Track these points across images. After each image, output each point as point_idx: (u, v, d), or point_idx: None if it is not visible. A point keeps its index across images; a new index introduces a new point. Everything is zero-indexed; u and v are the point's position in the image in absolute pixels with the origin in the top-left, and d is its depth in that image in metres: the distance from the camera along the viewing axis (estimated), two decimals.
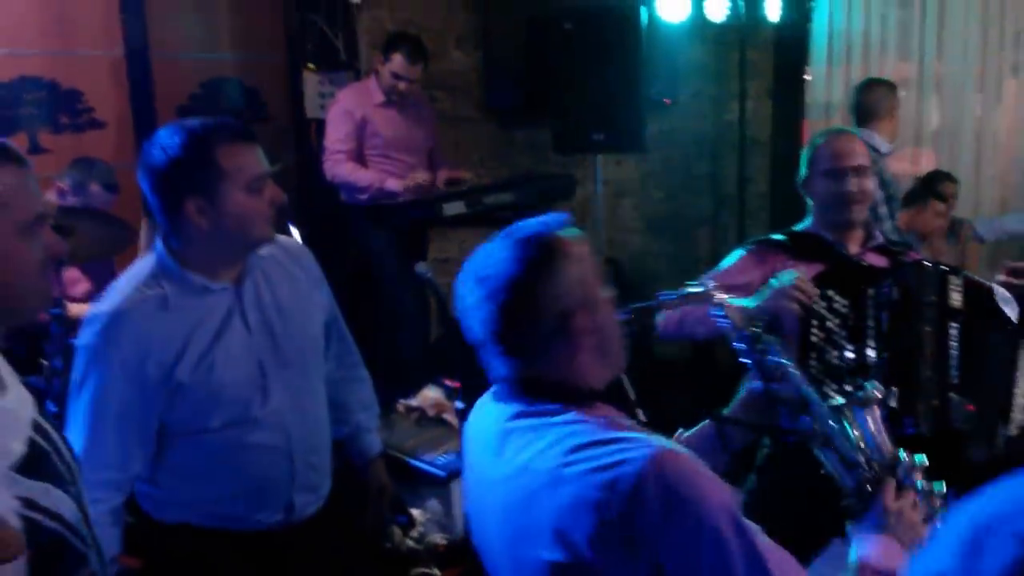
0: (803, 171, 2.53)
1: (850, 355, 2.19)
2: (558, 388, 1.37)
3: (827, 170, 2.45)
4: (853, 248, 2.46)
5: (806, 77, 5.67)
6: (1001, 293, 2.25)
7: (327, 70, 5.02)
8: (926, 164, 5.86)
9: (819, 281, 2.25)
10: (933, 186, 4.90)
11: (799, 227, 2.57)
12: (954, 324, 2.19)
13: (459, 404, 3.40)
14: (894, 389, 2.13)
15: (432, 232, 4.91)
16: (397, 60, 4.41)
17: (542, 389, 1.38)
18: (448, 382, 3.66)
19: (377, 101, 4.52)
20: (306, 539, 2.18)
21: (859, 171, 2.42)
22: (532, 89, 5.20)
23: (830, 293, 2.23)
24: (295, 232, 3.35)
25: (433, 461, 3.25)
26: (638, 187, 5.86)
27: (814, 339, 2.24)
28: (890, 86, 4.43)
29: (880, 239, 2.52)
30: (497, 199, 4.38)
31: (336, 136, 4.46)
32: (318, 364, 2.22)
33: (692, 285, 1.85)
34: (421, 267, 2.75)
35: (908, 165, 5.77)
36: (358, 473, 2.47)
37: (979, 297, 2.24)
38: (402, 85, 4.45)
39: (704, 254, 5.93)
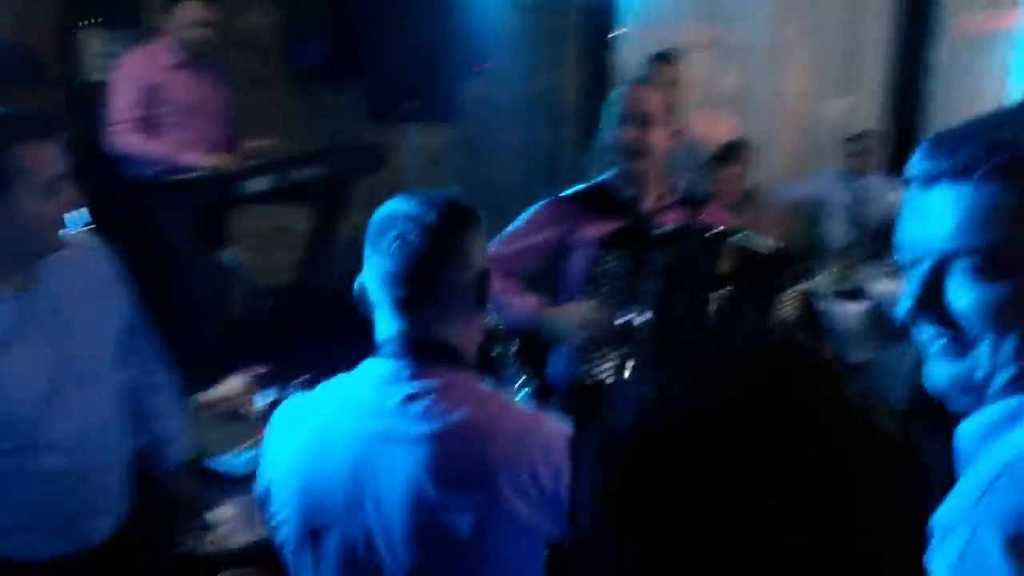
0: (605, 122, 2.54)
1: (624, 318, 2.20)
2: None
3: (613, 116, 2.45)
4: (649, 203, 2.45)
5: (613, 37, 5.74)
6: None
7: (109, 28, 4.62)
8: (725, 129, 6.09)
9: (608, 242, 2.26)
10: (731, 153, 5.09)
11: (602, 177, 2.57)
12: (719, 290, 2.20)
13: (263, 396, 3.24)
14: None
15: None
16: (189, 4, 4.10)
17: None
18: (251, 371, 3.48)
19: (170, 63, 4.18)
20: (101, 566, 2.03)
21: (643, 120, 2.40)
22: (339, 49, 4.97)
23: (613, 254, 2.25)
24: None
25: (234, 458, 3.09)
26: (449, 155, 5.78)
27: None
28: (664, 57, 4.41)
29: (677, 195, 2.51)
30: (305, 173, 4.19)
31: (122, 104, 4.10)
32: (115, 375, 2.06)
33: None
34: (228, 254, 2.57)
35: (707, 128, 5.97)
36: (160, 485, 2.32)
37: (750, 262, 2.24)
38: (201, 32, 4.14)
39: None
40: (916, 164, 0.96)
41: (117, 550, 2.08)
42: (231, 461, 3.05)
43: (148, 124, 4.16)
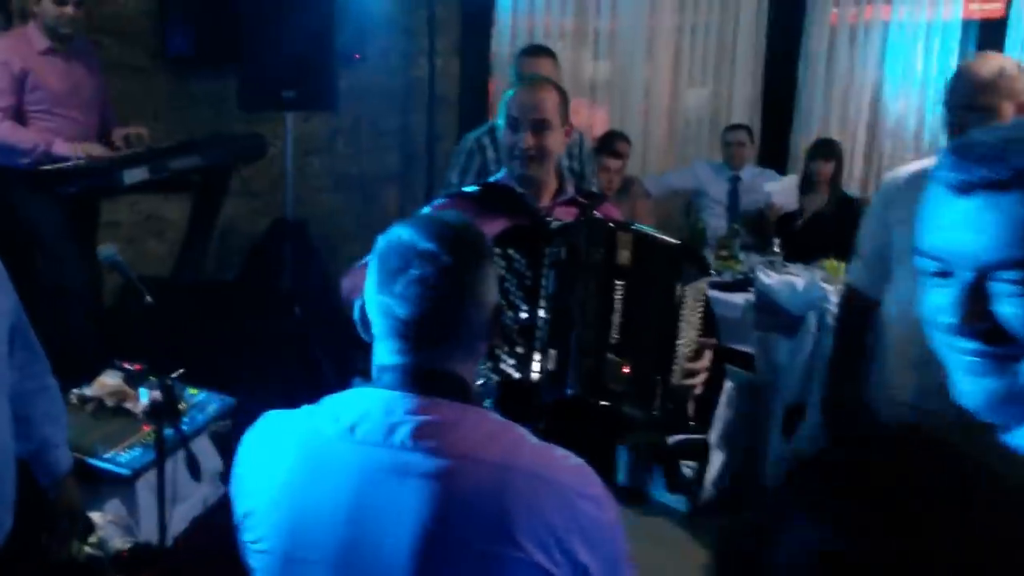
0: (499, 120, 2.46)
1: (524, 315, 2.10)
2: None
3: (507, 119, 2.38)
4: (544, 201, 2.40)
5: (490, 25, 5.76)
6: None
7: None
8: (599, 121, 6.21)
9: (502, 238, 2.16)
10: (609, 144, 5.19)
11: (494, 177, 2.51)
12: (620, 282, 2.11)
13: (146, 392, 3.14)
14: (552, 351, 2.07)
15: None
16: None
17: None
18: (128, 365, 3.36)
19: (40, 48, 3.96)
20: None
21: (539, 125, 2.33)
22: (213, 36, 4.79)
23: (510, 251, 2.15)
24: None
25: (115, 458, 2.99)
26: (327, 144, 5.70)
27: None
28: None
29: (570, 192, 2.46)
30: (184, 163, 4.07)
31: None
32: (5, 378, 1.96)
33: None
34: (107, 250, 2.47)
35: (582, 120, 6.08)
36: (44, 494, 2.22)
37: (649, 254, 2.16)
38: (70, 10, 3.92)
39: (393, 212, 5.87)
40: (944, 172, 0.92)
41: (2, 561, 2.00)
42: (113, 459, 2.96)
43: (18, 112, 3.95)
